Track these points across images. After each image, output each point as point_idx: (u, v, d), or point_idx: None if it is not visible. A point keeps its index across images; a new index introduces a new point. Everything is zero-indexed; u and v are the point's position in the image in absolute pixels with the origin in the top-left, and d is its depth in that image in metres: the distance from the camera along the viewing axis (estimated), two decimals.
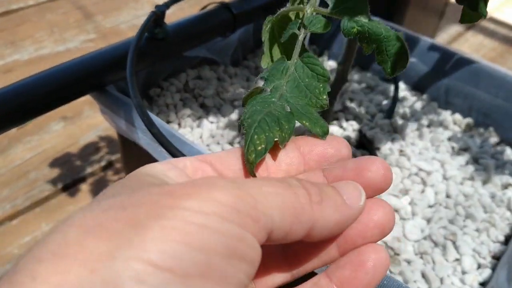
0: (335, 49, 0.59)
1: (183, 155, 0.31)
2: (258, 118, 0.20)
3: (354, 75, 0.57)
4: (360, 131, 0.48)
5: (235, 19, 0.46)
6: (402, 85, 0.55)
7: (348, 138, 0.47)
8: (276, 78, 0.23)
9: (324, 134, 0.21)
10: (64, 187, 0.60)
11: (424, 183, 0.44)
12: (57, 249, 0.13)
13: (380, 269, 0.18)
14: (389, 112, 0.51)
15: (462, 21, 0.28)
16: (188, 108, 0.48)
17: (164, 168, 0.18)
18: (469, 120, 0.52)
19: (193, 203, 0.15)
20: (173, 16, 0.42)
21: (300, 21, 0.24)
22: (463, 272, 0.37)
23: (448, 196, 0.43)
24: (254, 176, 0.19)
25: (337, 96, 0.46)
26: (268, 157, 0.20)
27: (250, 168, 0.19)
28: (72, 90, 0.38)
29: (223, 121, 0.47)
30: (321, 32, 0.24)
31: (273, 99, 0.22)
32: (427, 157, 0.46)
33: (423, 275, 0.37)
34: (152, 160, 0.37)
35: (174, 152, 0.31)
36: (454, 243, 0.39)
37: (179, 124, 0.47)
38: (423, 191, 0.43)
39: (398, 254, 0.38)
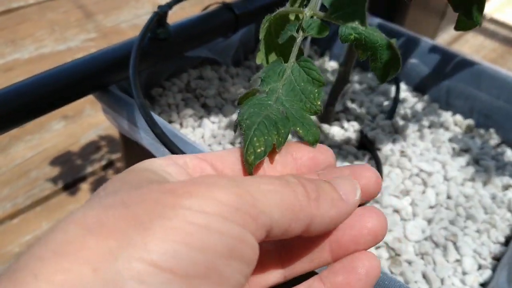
0: (337, 49, 0.59)
1: None
2: (258, 120, 0.20)
3: (355, 76, 0.57)
4: (361, 132, 0.48)
5: (237, 19, 0.46)
6: (403, 86, 0.56)
7: (349, 139, 0.47)
8: (272, 80, 0.23)
9: (315, 142, 0.21)
10: (64, 186, 0.60)
11: (425, 184, 0.44)
12: (58, 248, 0.13)
13: (372, 276, 0.19)
14: (390, 113, 0.51)
15: (457, 28, 0.29)
16: (190, 108, 0.48)
17: (164, 163, 0.18)
18: (470, 121, 0.52)
19: (194, 202, 0.15)
20: (174, 15, 0.42)
21: (298, 23, 0.24)
22: (464, 273, 0.38)
23: (449, 197, 0.43)
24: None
25: (339, 97, 0.46)
26: (265, 159, 0.20)
27: (249, 169, 0.19)
28: (75, 90, 0.38)
29: (224, 121, 0.47)
30: (319, 37, 0.24)
31: (270, 102, 0.22)
32: (428, 158, 0.46)
33: (424, 276, 0.37)
34: None
35: (177, 152, 0.31)
36: (454, 244, 0.39)
37: (181, 124, 0.47)
38: (424, 192, 0.43)
39: (399, 255, 0.38)
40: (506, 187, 0.45)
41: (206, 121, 0.47)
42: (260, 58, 0.27)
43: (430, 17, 0.83)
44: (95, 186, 0.60)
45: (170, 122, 0.47)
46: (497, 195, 0.44)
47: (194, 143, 0.35)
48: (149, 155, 0.38)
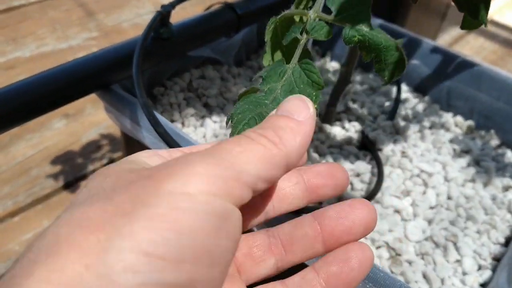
0: (338, 50, 0.59)
1: None
2: (249, 116, 0.21)
3: (357, 77, 0.57)
4: (362, 132, 0.48)
5: (239, 19, 0.47)
6: (404, 87, 0.56)
7: (350, 139, 0.48)
8: (272, 80, 0.23)
9: None
10: (65, 184, 0.60)
11: (425, 184, 0.44)
12: (50, 249, 0.14)
13: (365, 266, 0.19)
14: (391, 114, 0.51)
15: (462, 27, 0.29)
16: (192, 107, 0.48)
17: (147, 155, 0.19)
18: (470, 122, 0.52)
19: (175, 184, 0.15)
20: (175, 14, 0.42)
21: (303, 25, 0.25)
22: (464, 273, 0.38)
23: (449, 197, 0.44)
24: None
25: (340, 97, 0.46)
26: None
27: None
28: (77, 89, 0.38)
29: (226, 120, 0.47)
30: (323, 39, 0.24)
31: (266, 101, 0.22)
32: (429, 159, 0.47)
33: (424, 276, 0.37)
34: None
35: None
36: (455, 244, 0.39)
37: (183, 123, 0.47)
38: (424, 193, 0.43)
39: (399, 255, 0.38)
40: (506, 188, 0.45)
41: (208, 120, 0.47)
42: (266, 60, 0.28)
43: (431, 18, 0.84)
44: None
45: (172, 121, 0.47)
46: (497, 196, 0.44)
47: (196, 143, 0.35)
48: None
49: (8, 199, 0.57)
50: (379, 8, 0.59)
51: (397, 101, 0.52)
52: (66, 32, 0.85)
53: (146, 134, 0.38)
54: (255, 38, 0.56)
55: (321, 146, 0.46)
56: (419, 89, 0.56)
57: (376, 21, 0.55)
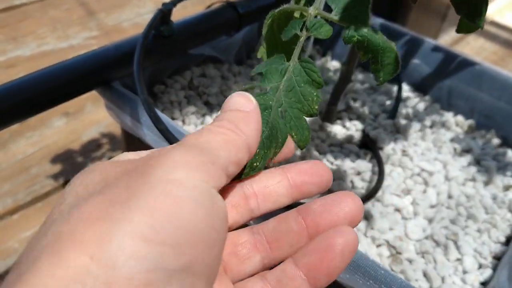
0: (339, 49, 0.59)
1: None
2: (264, 134, 0.21)
3: (358, 75, 0.57)
4: (363, 131, 0.48)
5: (240, 18, 0.47)
6: (405, 86, 0.56)
7: (351, 138, 0.48)
8: (274, 79, 0.23)
9: (304, 147, 0.23)
10: (65, 182, 0.60)
11: (426, 183, 0.44)
12: (53, 246, 0.14)
13: (348, 252, 0.18)
14: (392, 113, 0.51)
15: (458, 31, 0.29)
16: (192, 105, 0.48)
17: (129, 155, 0.19)
18: (471, 121, 0.52)
19: (162, 172, 0.16)
20: (176, 13, 0.42)
21: (302, 21, 0.25)
22: (464, 272, 0.38)
23: (450, 196, 0.44)
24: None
25: (341, 96, 0.46)
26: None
27: (243, 176, 0.21)
28: (78, 86, 0.38)
29: None
30: (323, 38, 0.24)
31: (271, 102, 0.23)
32: (429, 158, 0.47)
33: (425, 274, 0.37)
34: None
35: None
36: (455, 243, 0.39)
37: (183, 121, 0.47)
38: (425, 191, 0.43)
39: (400, 253, 0.38)
40: (507, 188, 0.45)
41: (208, 118, 0.47)
42: (261, 52, 0.28)
43: (432, 19, 0.84)
44: None
45: (172, 119, 0.47)
46: (498, 195, 0.44)
47: None
48: None
49: (8, 196, 0.57)
50: (380, 8, 0.59)
51: (398, 100, 0.52)
52: (67, 31, 0.85)
53: (147, 132, 0.38)
54: (256, 37, 0.56)
55: (322, 144, 0.46)
56: (420, 88, 0.56)
57: (377, 21, 0.55)
